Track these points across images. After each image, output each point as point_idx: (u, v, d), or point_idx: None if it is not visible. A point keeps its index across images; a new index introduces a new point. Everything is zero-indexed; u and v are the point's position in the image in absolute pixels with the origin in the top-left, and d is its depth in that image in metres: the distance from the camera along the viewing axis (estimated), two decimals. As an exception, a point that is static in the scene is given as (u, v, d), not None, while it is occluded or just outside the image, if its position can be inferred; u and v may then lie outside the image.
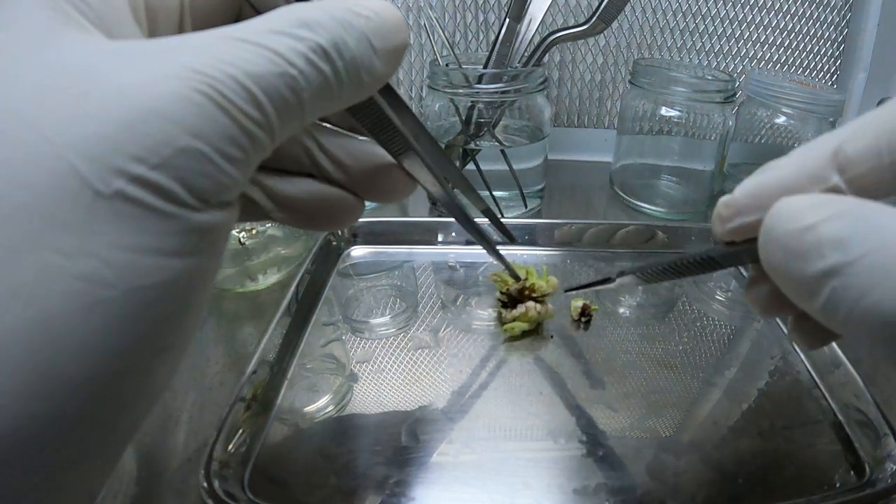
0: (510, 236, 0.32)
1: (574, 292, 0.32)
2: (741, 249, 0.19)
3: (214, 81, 0.13)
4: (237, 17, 0.20)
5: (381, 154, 0.21)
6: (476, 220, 0.27)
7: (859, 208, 0.15)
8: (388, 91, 0.20)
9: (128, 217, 0.12)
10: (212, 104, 0.13)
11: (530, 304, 0.38)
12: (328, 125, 0.21)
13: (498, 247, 0.30)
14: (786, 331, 0.40)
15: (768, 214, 0.16)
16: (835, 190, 0.16)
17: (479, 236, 0.28)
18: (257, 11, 0.17)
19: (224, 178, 0.14)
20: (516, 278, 0.37)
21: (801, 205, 0.15)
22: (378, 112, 0.19)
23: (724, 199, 0.18)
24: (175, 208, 0.13)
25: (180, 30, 0.18)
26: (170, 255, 0.13)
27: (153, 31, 0.18)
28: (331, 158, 0.21)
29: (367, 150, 0.21)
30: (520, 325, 0.38)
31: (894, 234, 0.14)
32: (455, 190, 0.25)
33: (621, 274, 0.27)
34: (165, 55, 0.13)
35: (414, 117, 0.22)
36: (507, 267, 0.35)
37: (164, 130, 0.12)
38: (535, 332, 0.39)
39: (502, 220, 0.31)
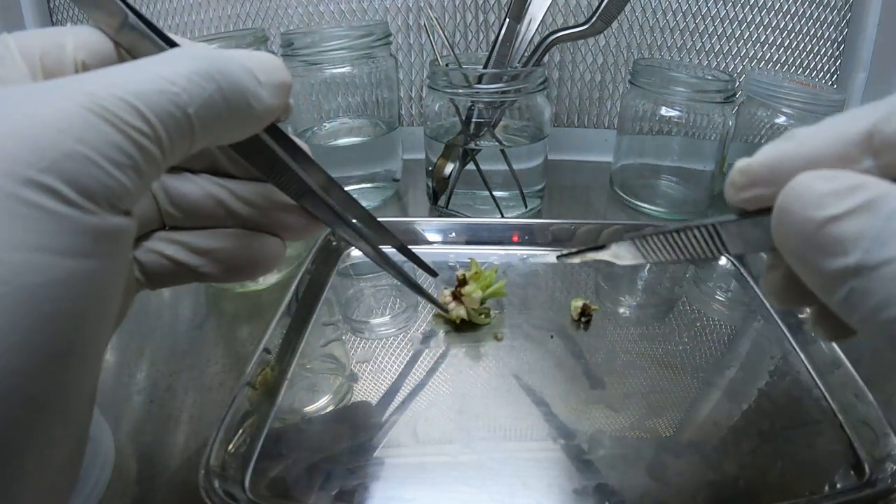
0: (432, 272, 0.34)
1: (566, 258, 0.30)
2: (752, 221, 0.17)
3: (100, 98, 0.14)
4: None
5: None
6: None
7: (890, 202, 0.13)
8: (281, 135, 0.22)
9: (21, 217, 0.13)
10: (96, 117, 0.14)
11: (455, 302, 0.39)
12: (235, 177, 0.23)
13: (497, 247, 0.30)
14: (786, 331, 0.40)
15: (784, 191, 0.15)
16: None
17: (393, 270, 0.29)
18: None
19: (112, 182, 0.14)
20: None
21: (823, 189, 0.14)
22: (271, 154, 0.21)
23: (740, 164, 0.17)
24: (66, 208, 0.14)
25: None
26: (63, 255, 0.14)
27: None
28: (245, 202, 0.22)
29: (275, 190, 0.23)
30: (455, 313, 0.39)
31: None
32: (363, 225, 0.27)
33: (619, 240, 0.24)
34: (63, 85, 0.15)
35: (308, 159, 0.23)
36: (431, 300, 0.37)
37: (52, 138, 0.14)
38: (469, 327, 0.40)
39: (504, 219, 0.31)
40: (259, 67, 0.18)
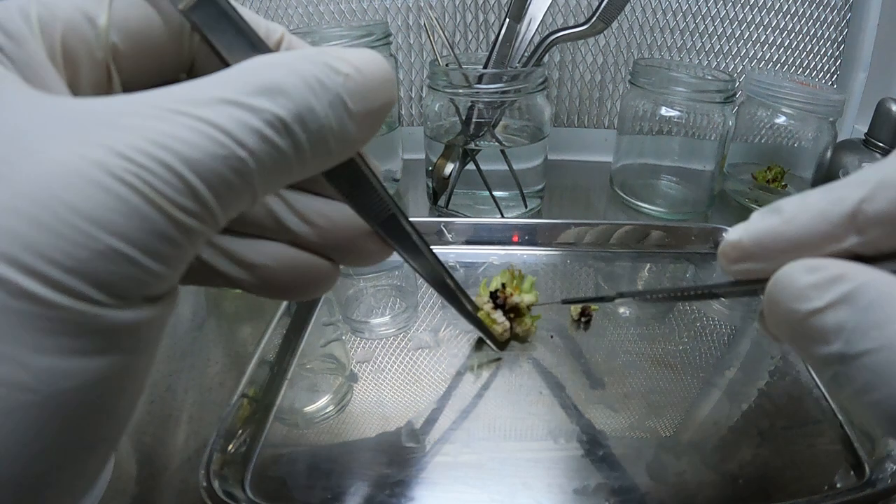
0: (499, 345, 0.33)
1: (570, 304, 0.33)
2: (746, 290, 0.18)
3: (142, 171, 0.12)
4: (181, 54, 0.17)
5: (355, 216, 0.19)
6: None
7: (867, 293, 0.14)
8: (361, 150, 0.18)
9: (44, 319, 0.11)
10: (138, 198, 0.11)
11: (504, 321, 0.37)
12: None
13: (499, 247, 0.30)
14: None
15: (771, 283, 0.16)
16: (849, 252, 0.15)
17: (470, 317, 0.27)
18: (218, 55, 0.15)
19: (150, 278, 0.12)
20: (499, 345, 0.37)
21: (806, 282, 0.15)
22: (354, 171, 0.17)
23: (731, 237, 0.18)
24: (95, 309, 0.12)
25: (108, 76, 0.16)
26: (91, 356, 0.12)
27: (73, 68, 0.15)
28: (302, 219, 0.18)
29: (341, 209, 0.19)
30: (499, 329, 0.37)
31: None
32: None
33: (621, 295, 0.27)
34: (88, 128, 0.12)
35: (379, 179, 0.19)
36: (490, 337, 0.35)
37: (82, 230, 0.11)
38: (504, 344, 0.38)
39: (504, 219, 0.31)
40: (355, 92, 0.14)
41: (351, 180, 0.17)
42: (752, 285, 0.18)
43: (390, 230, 0.19)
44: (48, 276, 0.11)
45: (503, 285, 0.37)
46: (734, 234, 0.17)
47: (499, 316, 0.37)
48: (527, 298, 0.37)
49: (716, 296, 0.21)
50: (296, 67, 0.13)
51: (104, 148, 0.11)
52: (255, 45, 0.15)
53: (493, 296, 0.37)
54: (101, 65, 0.16)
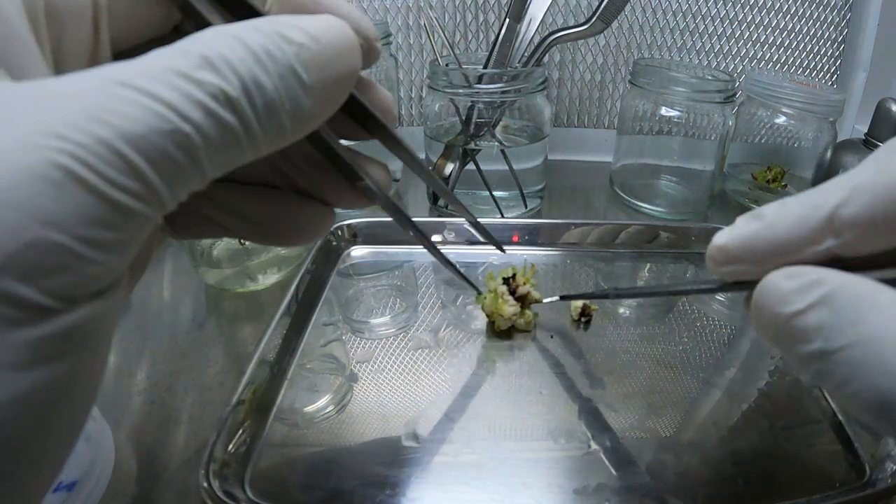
0: (499, 245, 0.30)
1: (569, 300, 0.33)
2: (734, 289, 0.20)
3: (78, 149, 0.10)
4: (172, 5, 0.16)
5: None
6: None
7: (842, 294, 0.15)
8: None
9: None
10: (72, 181, 0.10)
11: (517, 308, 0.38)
12: None
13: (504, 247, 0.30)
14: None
15: (757, 290, 0.17)
16: (828, 254, 0.16)
17: (443, 259, 0.26)
18: (194, 21, 0.15)
19: (92, 268, 0.11)
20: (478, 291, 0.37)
21: (787, 287, 0.16)
22: (322, 149, 0.17)
23: (717, 242, 0.19)
24: (27, 314, 0.10)
25: (95, 34, 0.15)
26: (24, 368, 0.11)
27: (57, 27, 0.14)
28: (295, 165, 0.18)
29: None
30: (504, 320, 0.38)
31: (869, 328, 0.14)
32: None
33: (617, 293, 0.29)
34: (32, 109, 0.11)
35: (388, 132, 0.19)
36: (470, 283, 0.33)
37: (9, 221, 0.10)
38: (508, 335, 0.39)
39: (504, 219, 0.31)
40: (310, 62, 0.13)
41: (322, 153, 0.17)
42: (740, 286, 0.19)
43: (364, 192, 0.19)
44: None
45: (514, 275, 0.38)
46: (720, 238, 0.19)
47: (510, 299, 0.38)
48: (535, 293, 0.39)
49: (709, 291, 0.22)
50: (244, 38, 0.12)
51: (34, 126, 0.10)
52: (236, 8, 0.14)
53: (506, 281, 0.38)
54: (88, 22, 0.15)
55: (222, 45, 0.12)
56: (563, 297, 0.36)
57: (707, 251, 0.19)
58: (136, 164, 0.11)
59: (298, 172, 0.18)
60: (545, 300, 0.38)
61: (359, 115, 0.18)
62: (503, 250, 0.31)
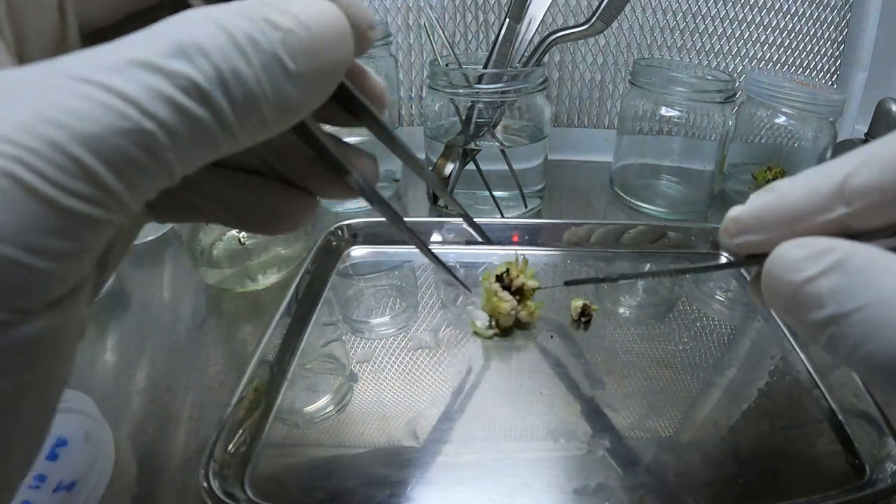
0: (487, 238, 0.30)
1: (575, 286, 0.32)
2: (744, 264, 0.20)
3: (26, 153, 0.10)
4: None
5: None
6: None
7: (855, 259, 0.15)
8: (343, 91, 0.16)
9: None
10: (20, 189, 0.10)
11: (513, 302, 0.38)
12: None
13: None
14: (786, 331, 0.40)
15: (769, 260, 0.17)
16: (840, 222, 0.17)
17: (433, 257, 0.25)
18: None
19: (45, 280, 0.10)
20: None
21: (799, 255, 0.16)
22: (304, 133, 0.16)
23: (731, 214, 0.19)
24: None
25: (62, 18, 0.14)
26: None
27: (20, 21, 0.14)
28: (279, 155, 0.18)
29: None
30: (504, 319, 0.38)
31: (883, 289, 0.15)
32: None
33: (623, 276, 0.27)
34: None
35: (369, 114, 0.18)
36: (459, 281, 0.34)
37: None
38: (505, 333, 0.39)
39: (504, 219, 0.31)
40: (298, 49, 0.12)
41: (308, 143, 0.16)
42: (751, 261, 0.19)
43: (352, 185, 0.18)
44: None
45: (507, 270, 0.38)
46: (734, 211, 0.19)
47: (505, 295, 0.38)
48: (531, 283, 0.39)
49: (719, 268, 0.22)
50: (224, 23, 0.11)
51: None
52: None
53: (500, 278, 0.38)
54: (52, 5, 0.14)
55: (199, 30, 0.11)
56: (567, 283, 0.35)
57: (721, 225, 0.20)
58: (90, 167, 0.10)
59: (281, 161, 0.18)
60: (547, 287, 0.38)
61: (347, 102, 0.17)
62: (488, 241, 0.30)
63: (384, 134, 0.19)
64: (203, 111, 0.11)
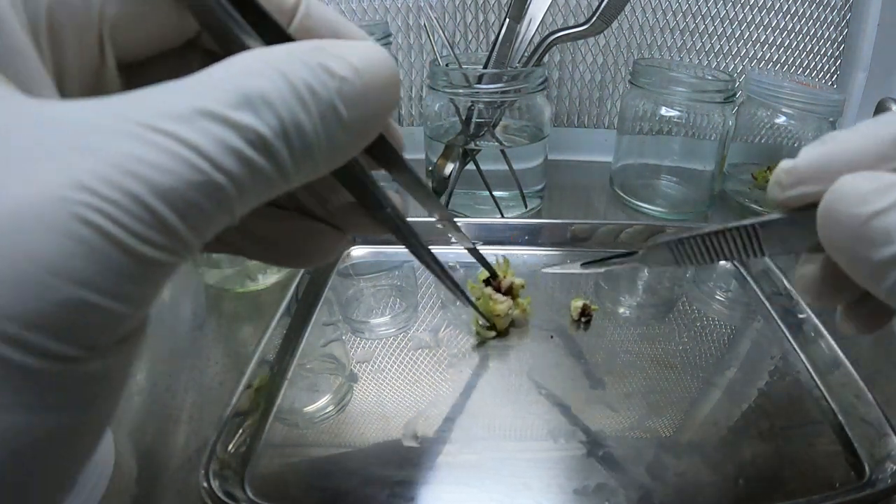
0: (494, 274, 0.33)
1: (591, 266, 0.29)
2: (791, 219, 0.18)
3: (107, 205, 0.10)
4: (184, 19, 0.16)
5: None
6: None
7: None
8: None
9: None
10: (102, 239, 0.10)
11: (508, 301, 0.38)
12: None
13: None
14: (786, 331, 0.40)
15: (830, 191, 0.16)
16: None
17: (464, 297, 0.27)
18: (218, 43, 0.14)
19: (116, 322, 0.11)
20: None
21: (867, 187, 0.15)
22: (347, 173, 0.16)
23: (785, 165, 0.18)
24: (52, 364, 0.10)
25: (100, 50, 0.15)
26: (46, 411, 0.11)
27: (60, 51, 0.14)
28: (311, 192, 0.18)
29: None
30: (500, 319, 0.39)
31: None
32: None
33: (648, 247, 0.24)
34: (49, 149, 0.10)
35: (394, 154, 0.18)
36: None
37: (39, 280, 0.10)
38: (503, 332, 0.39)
39: (504, 219, 0.32)
40: (352, 98, 0.12)
41: (346, 181, 0.16)
42: (799, 214, 0.18)
43: (385, 221, 0.19)
44: (3, 332, 0.10)
45: (492, 274, 0.39)
46: (787, 163, 0.18)
47: (499, 297, 0.38)
48: (518, 280, 0.39)
49: (757, 243, 0.19)
50: (285, 70, 0.12)
51: (65, 178, 0.10)
52: (258, 23, 0.13)
53: (487, 283, 0.39)
54: (93, 37, 0.14)
55: (263, 79, 0.12)
56: (583, 265, 0.32)
57: (772, 178, 0.19)
58: (165, 218, 0.11)
59: (313, 199, 0.18)
60: (552, 270, 0.38)
61: (376, 147, 0.17)
62: (496, 277, 0.33)
63: (410, 180, 0.19)
64: (266, 163, 0.12)
